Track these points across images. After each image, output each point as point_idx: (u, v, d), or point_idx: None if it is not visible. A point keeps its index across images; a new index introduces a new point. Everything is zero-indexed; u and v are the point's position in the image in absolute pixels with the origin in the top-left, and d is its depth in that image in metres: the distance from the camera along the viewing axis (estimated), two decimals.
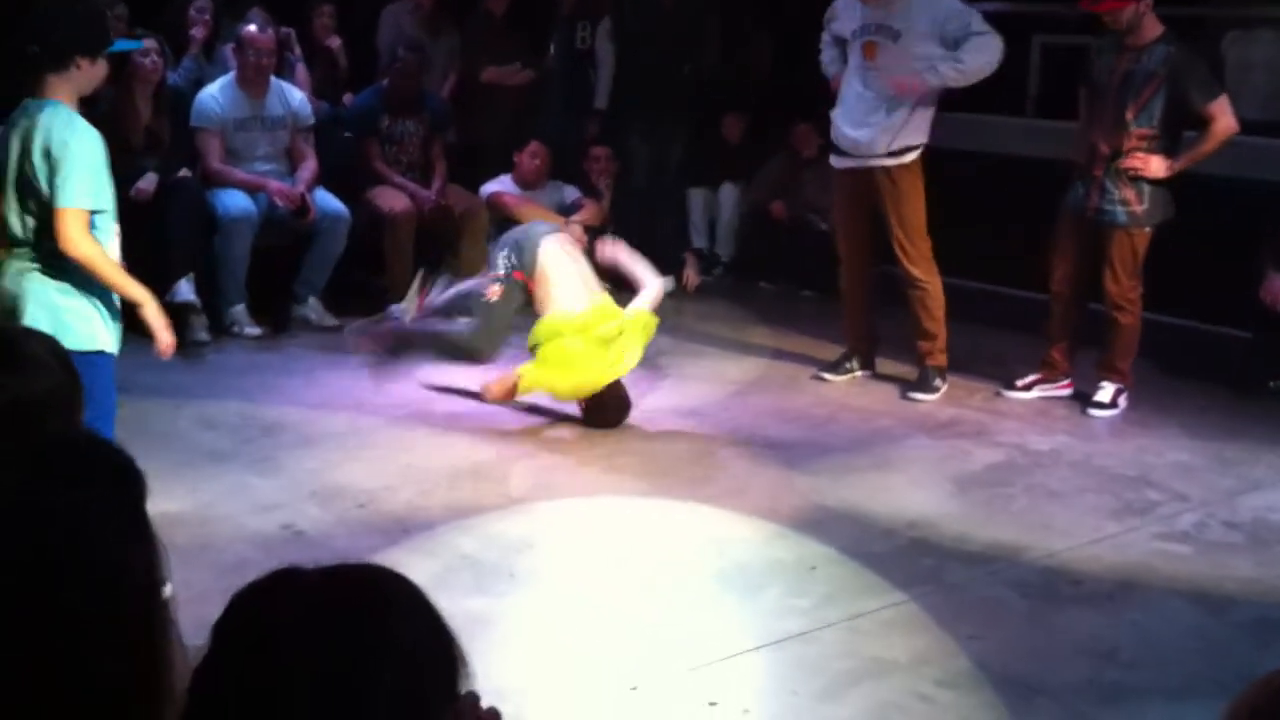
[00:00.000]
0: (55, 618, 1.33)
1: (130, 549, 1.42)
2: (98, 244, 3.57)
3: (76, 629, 1.33)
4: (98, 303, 3.63)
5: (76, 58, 3.57)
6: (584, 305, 5.39)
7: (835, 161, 6.01)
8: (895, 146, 5.77)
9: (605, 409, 5.35)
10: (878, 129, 5.76)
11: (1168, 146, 5.46)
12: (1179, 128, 5.48)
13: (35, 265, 3.60)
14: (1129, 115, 5.42)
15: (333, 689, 1.22)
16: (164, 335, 3.71)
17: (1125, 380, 5.65)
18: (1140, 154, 5.42)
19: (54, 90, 3.58)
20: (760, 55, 8.76)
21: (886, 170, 5.81)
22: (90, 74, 3.62)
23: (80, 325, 3.57)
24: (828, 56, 6.10)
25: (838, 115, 5.92)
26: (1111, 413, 5.59)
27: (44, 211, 3.55)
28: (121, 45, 3.85)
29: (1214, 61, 6.56)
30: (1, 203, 3.63)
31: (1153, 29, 5.41)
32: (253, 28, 6.82)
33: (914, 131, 5.78)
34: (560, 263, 5.48)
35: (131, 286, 3.66)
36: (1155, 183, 5.46)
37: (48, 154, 3.51)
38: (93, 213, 3.55)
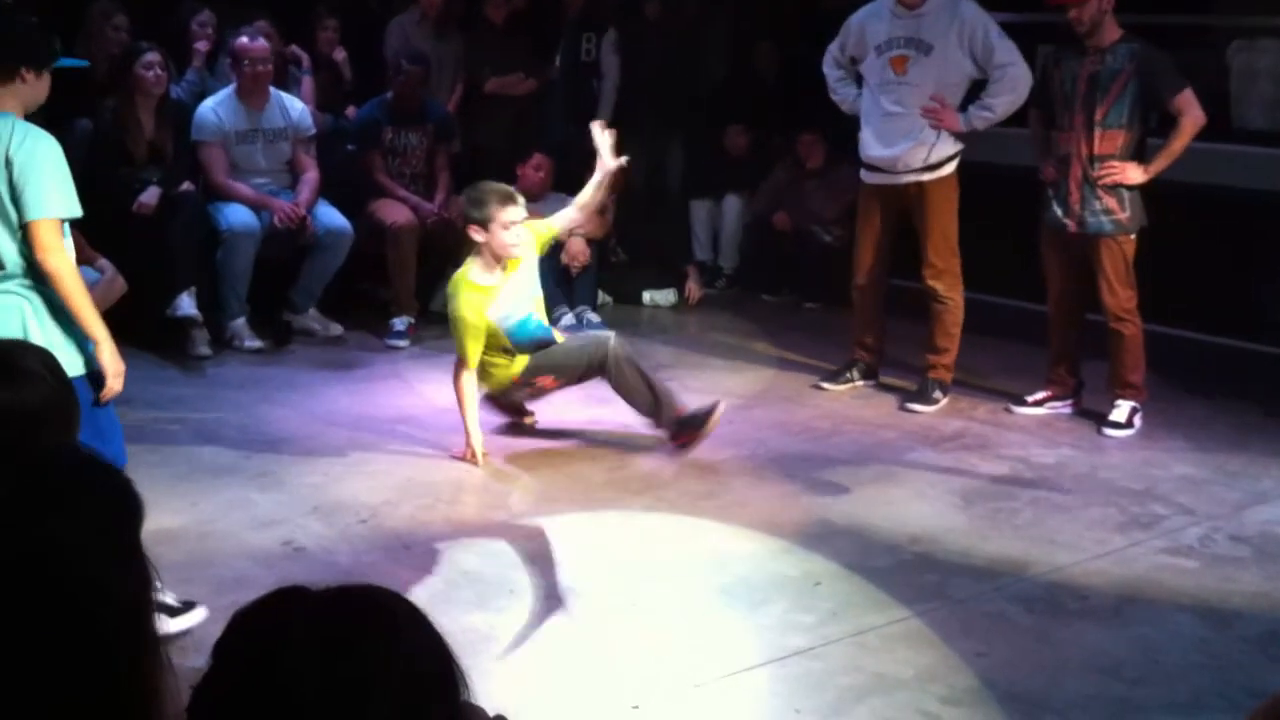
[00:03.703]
0: (39, 640, 1.31)
1: (120, 572, 1.40)
2: (70, 259, 3.46)
3: (60, 652, 1.31)
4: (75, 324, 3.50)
5: (21, 70, 3.48)
6: None
7: (866, 177, 5.96)
8: (932, 159, 5.75)
9: None
10: (913, 144, 5.72)
11: (1137, 149, 5.43)
12: (1145, 128, 5.44)
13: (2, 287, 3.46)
14: (1098, 116, 5.38)
15: (333, 710, 1.21)
16: (115, 382, 3.49)
17: (1139, 395, 5.59)
18: (1114, 163, 5.39)
19: (3, 102, 3.48)
20: (765, 66, 8.76)
21: (922, 185, 5.77)
22: (36, 88, 3.53)
23: (61, 351, 3.36)
24: (843, 89, 6.03)
25: (866, 134, 5.87)
26: (1128, 432, 5.52)
27: (7, 225, 3.43)
28: (66, 62, 3.77)
29: (1218, 70, 6.56)
30: None
31: (1113, 30, 5.39)
32: (244, 38, 6.81)
33: (948, 142, 5.75)
34: None
35: (93, 319, 3.48)
36: (1133, 188, 5.43)
37: (8, 164, 3.40)
38: (63, 221, 3.46)
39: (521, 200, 5.07)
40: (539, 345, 5.13)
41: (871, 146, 5.85)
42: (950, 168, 5.79)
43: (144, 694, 1.37)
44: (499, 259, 5.02)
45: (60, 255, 3.42)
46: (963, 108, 5.79)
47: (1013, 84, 5.65)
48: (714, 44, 8.75)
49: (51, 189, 3.42)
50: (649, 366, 5.24)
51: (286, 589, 1.32)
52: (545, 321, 5.24)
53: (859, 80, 5.98)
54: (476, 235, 4.97)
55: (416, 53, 7.48)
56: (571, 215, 5.41)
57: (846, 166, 7.70)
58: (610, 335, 5.16)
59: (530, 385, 5.17)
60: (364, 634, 1.27)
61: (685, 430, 5.10)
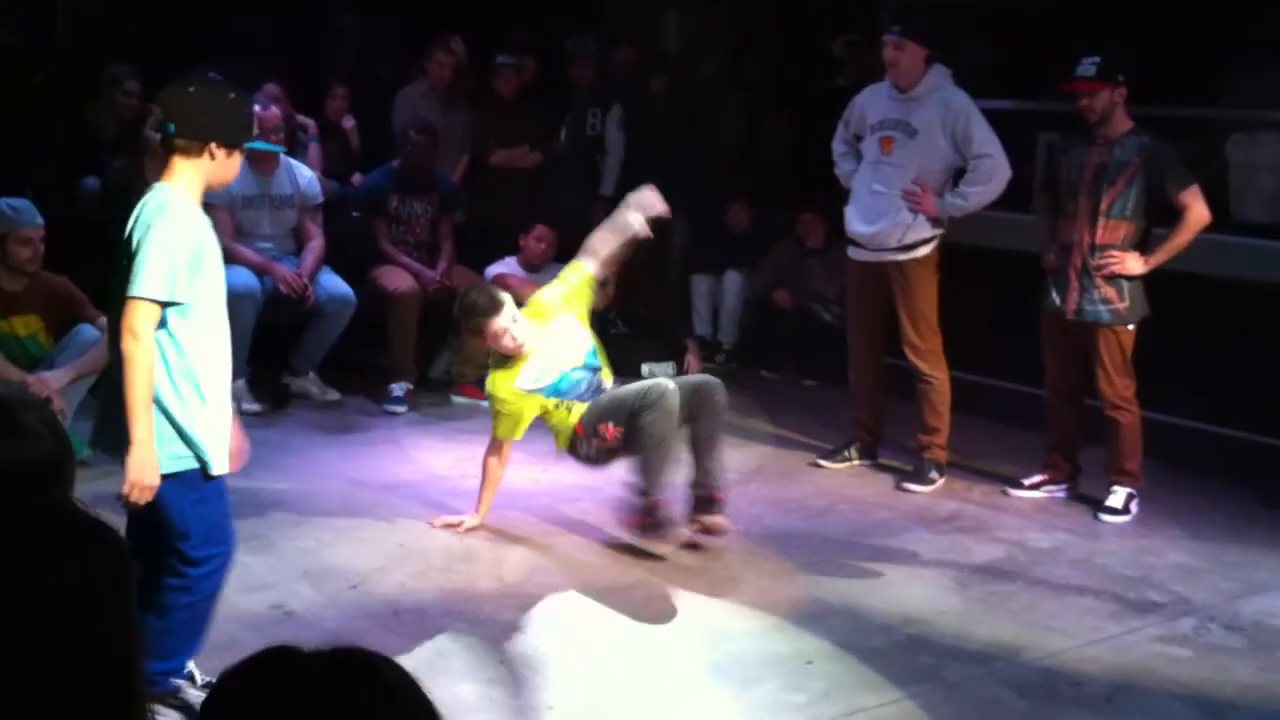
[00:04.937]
0: (26, 695, 1.30)
1: (110, 629, 1.40)
2: (149, 350, 3.23)
3: (46, 708, 1.30)
4: (180, 414, 3.33)
5: (212, 145, 3.31)
6: None
7: (851, 253, 6.04)
8: (908, 240, 5.80)
9: None
10: (891, 224, 5.79)
11: (1140, 240, 5.46)
12: (1150, 220, 5.48)
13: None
14: (1103, 205, 5.42)
15: None
16: (132, 491, 3.27)
17: (1136, 482, 5.59)
18: (1114, 252, 5.42)
19: (178, 173, 3.32)
20: (772, 145, 8.85)
21: (899, 264, 5.83)
22: (224, 166, 3.36)
23: (167, 442, 3.32)
24: (844, 163, 6.10)
25: (850, 210, 5.96)
26: (1124, 519, 5.51)
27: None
28: (261, 145, 3.60)
29: (1219, 163, 6.61)
30: None
31: (1123, 122, 5.45)
32: (256, 106, 6.85)
33: (924, 225, 5.80)
34: None
35: (140, 417, 3.24)
36: (1133, 279, 5.46)
37: (130, 238, 3.25)
38: (165, 306, 3.25)
39: (507, 300, 5.03)
40: (593, 390, 5.07)
41: (854, 222, 5.94)
42: (926, 250, 5.84)
43: None
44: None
45: (136, 341, 3.22)
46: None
47: (988, 175, 5.71)
48: (724, 121, 8.84)
49: (152, 269, 3.21)
50: (682, 437, 4.97)
51: (275, 649, 1.31)
52: (597, 367, 5.15)
53: (860, 157, 6.05)
54: (482, 345, 5.12)
55: (424, 123, 7.55)
56: (591, 264, 5.30)
57: (847, 245, 7.78)
58: (670, 384, 4.89)
59: (597, 436, 4.93)
60: (352, 696, 1.26)
61: (642, 517, 4.88)
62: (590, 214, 8.30)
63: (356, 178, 7.84)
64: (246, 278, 6.70)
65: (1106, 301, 5.47)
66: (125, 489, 3.28)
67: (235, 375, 6.58)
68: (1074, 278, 5.51)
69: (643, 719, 3.71)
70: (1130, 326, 5.50)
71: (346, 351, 7.18)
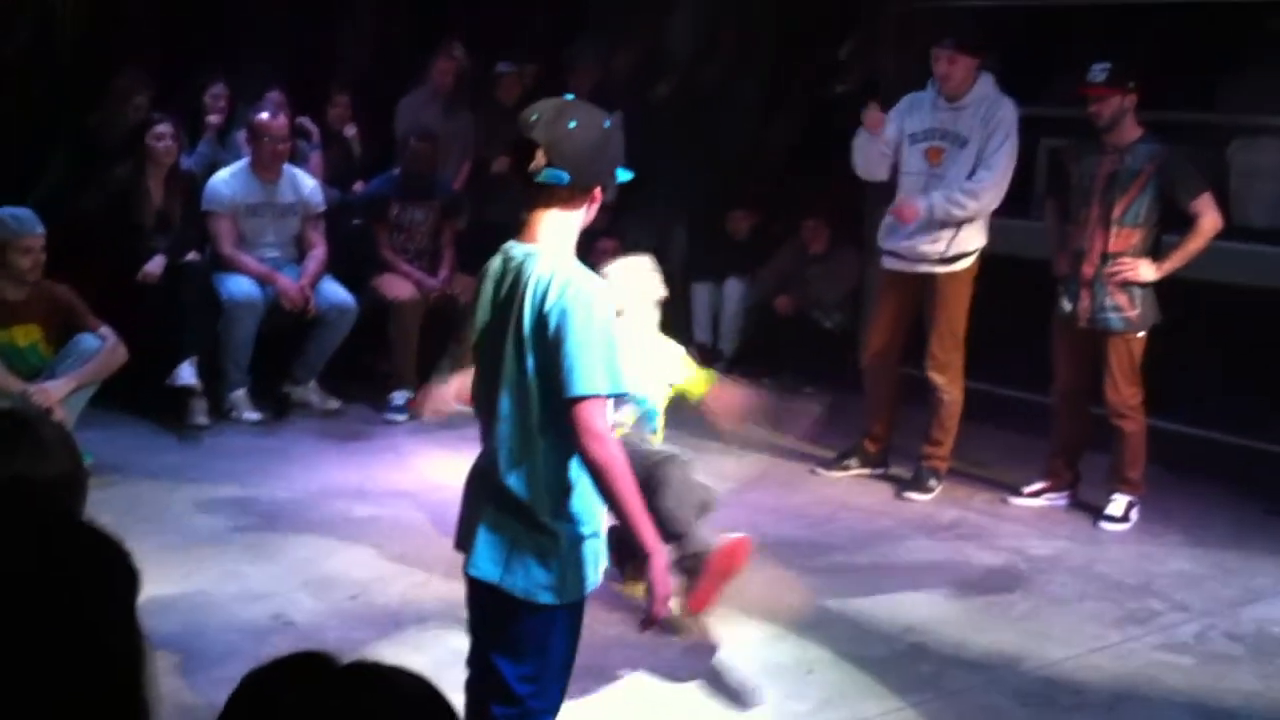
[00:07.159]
0: (35, 708, 1.30)
1: (115, 642, 1.40)
2: (619, 448, 2.69)
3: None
4: (575, 533, 2.76)
5: (596, 190, 2.81)
6: None
7: (887, 263, 5.95)
8: (951, 253, 5.75)
9: None
10: (933, 235, 5.72)
11: (1152, 247, 5.45)
12: (1161, 227, 5.46)
13: (505, 460, 2.74)
14: (1115, 213, 5.40)
15: None
16: (658, 606, 2.79)
17: (1137, 490, 5.58)
18: (1126, 259, 5.41)
19: (555, 228, 2.77)
20: (775, 152, 8.84)
21: (935, 277, 5.78)
22: (593, 209, 2.85)
23: (536, 565, 2.74)
24: (882, 165, 5.88)
25: (888, 221, 5.86)
26: (1124, 526, 5.51)
27: (524, 390, 2.71)
28: (625, 175, 2.95)
29: (1220, 168, 6.61)
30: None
31: (1134, 129, 5.43)
32: (265, 115, 6.88)
33: (970, 237, 5.74)
34: None
35: (646, 526, 2.71)
36: (1145, 286, 5.45)
37: (543, 317, 2.66)
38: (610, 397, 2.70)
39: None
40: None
41: (891, 235, 5.86)
42: (967, 262, 5.78)
43: None
44: None
45: (603, 443, 2.64)
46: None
47: (976, 191, 5.60)
48: (726, 126, 8.82)
49: (593, 362, 2.63)
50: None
51: (309, 653, 1.32)
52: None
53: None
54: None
55: (425, 130, 7.55)
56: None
57: (850, 251, 7.78)
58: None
59: None
60: (380, 708, 1.26)
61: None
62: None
63: (358, 186, 7.84)
64: (247, 286, 6.70)
65: (1118, 309, 5.45)
66: (653, 607, 2.79)
67: (235, 384, 6.67)
68: (1085, 284, 5.48)
69: None
70: (1141, 334, 5.48)
71: (347, 359, 7.18)
